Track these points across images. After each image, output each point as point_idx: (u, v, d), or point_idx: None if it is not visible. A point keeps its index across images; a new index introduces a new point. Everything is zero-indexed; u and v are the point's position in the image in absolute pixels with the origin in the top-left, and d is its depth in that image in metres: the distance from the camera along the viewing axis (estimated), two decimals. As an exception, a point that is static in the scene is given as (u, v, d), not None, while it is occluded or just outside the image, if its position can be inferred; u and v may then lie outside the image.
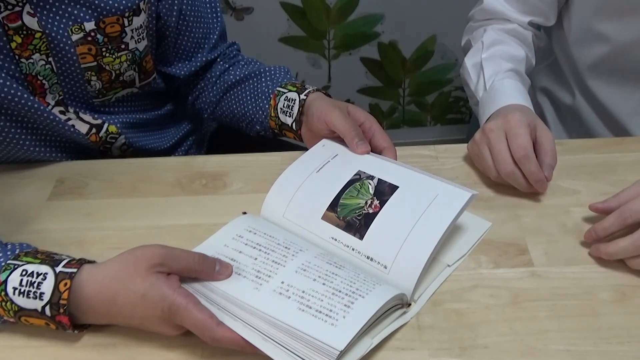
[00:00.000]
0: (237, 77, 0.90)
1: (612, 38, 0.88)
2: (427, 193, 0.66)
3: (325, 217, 0.67)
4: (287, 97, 0.82)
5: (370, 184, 0.68)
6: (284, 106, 0.82)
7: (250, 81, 0.89)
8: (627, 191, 0.66)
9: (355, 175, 0.70)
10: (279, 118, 0.83)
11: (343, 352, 0.53)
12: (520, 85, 0.84)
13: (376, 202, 0.66)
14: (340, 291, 0.58)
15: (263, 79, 0.87)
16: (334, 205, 0.67)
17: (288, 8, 1.68)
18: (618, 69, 0.91)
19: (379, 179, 0.69)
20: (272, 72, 0.88)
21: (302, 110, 0.80)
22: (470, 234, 0.69)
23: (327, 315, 0.55)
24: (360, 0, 1.68)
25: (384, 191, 0.67)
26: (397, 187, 0.67)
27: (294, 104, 0.81)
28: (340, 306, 0.56)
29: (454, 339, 0.59)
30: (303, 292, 0.58)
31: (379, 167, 0.71)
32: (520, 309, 0.61)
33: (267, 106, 0.85)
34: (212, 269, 0.59)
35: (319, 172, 0.71)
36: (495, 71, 0.87)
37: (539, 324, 0.60)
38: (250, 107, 0.88)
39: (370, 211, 0.66)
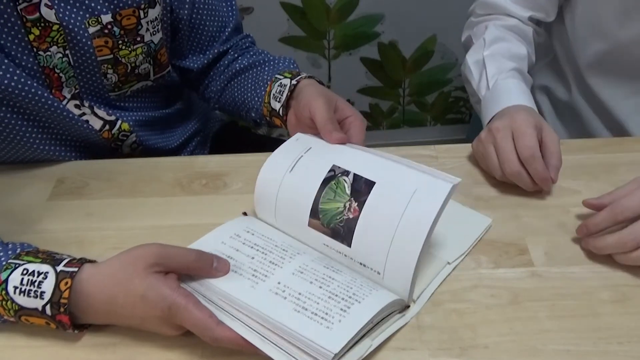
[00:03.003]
0: (242, 65, 0.90)
1: (616, 36, 0.88)
2: (406, 188, 0.61)
3: (311, 225, 0.64)
4: (281, 83, 0.81)
5: (345, 181, 0.64)
6: (276, 92, 0.81)
7: (254, 70, 0.89)
8: (621, 189, 0.66)
9: (329, 171, 0.65)
10: (270, 104, 0.82)
11: (340, 355, 0.53)
12: (523, 86, 0.84)
13: (354, 204, 0.62)
14: (336, 295, 0.57)
15: (265, 68, 0.88)
16: (315, 212, 0.64)
17: (288, 8, 1.69)
18: (619, 67, 0.92)
19: (354, 174, 0.63)
20: (275, 61, 0.88)
21: (291, 95, 0.79)
22: (470, 231, 0.69)
23: (322, 318, 0.55)
24: (360, 0, 1.68)
25: (361, 190, 0.62)
26: (374, 182, 0.62)
27: (284, 89, 0.80)
28: (336, 310, 0.56)
29: (454, 339, 0.59)
30: (299, 294, 0.57)
31: (353, 159, 0.65)
32: (520, 309, 0.61)
33: (263, 93, 0.84)
34: (209, 266, 0.59)
35: (292, 171, 0.67)
36: (499, 70, 0.87)
37: (539, 324, 0.60)
38: (249, 94, 0.88)
39: (351, 216, 0.62)
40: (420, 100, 1.94)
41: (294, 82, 0.79)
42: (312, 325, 0.54)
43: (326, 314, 0.55)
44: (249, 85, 0.88)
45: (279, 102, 0.80)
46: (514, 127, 0.73)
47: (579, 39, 0.94)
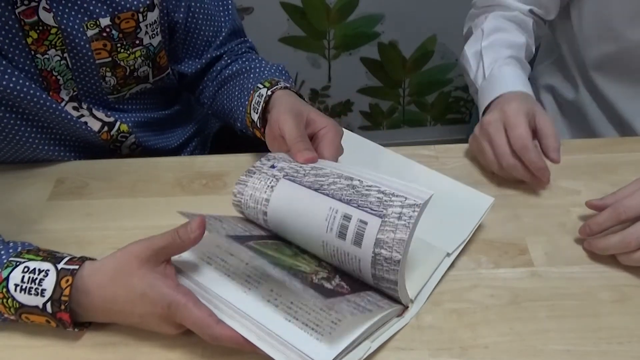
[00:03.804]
0: (231, 72, 0.88)
1: (626, 37, 0.88)
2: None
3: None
4: (260, 93, 0.77)
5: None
6: (255, 102, 0.77)
7: (241, 77, 0.88)
8: (624, 189, 0.66)
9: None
10: (250, 115, 0.79)
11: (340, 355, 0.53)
12: (519, 72, 0.84)
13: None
14: (328, 307, 0.57)
15: (251, 75, 0.85)
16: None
17: (288, 8, 1.69)
18: (628, 68, 0.91)
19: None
20: (262, 69, 0.86)
21: (266, 107, 0.75)
22: (471, 214, 0.68)
23: (313, 329, 0.55)
24: (360, 0, 1.68)
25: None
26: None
27: (262, 99, 0.76)
28: (327, 322, 0.55)
29: (454, 339, 0.59)
30: (291, 302, 0.57)
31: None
32: (520, 309, 0.61)
33: (246, 102, 0.81)
34: (190, 232, 0.57)
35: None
36: (495, 58, 0.87)
37: (539, 324, 0.60)
38: (235, 103, 0.86)
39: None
40: (420, 100, 1.94)
41: (269, 92, 0.75)
42: (302, 336, 0.54)
43: (317, 325, 0.55)
44: (236, 93, 0.86)
45: (256, 113, 0.77)
46: (505, 119, 0.73)
47: (586, 39, 0.94)
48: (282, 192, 0.64)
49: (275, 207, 0.63)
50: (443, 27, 1.75)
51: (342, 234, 0.58)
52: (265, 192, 0.64)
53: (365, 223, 0.57)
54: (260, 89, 0.77)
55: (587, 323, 0.60)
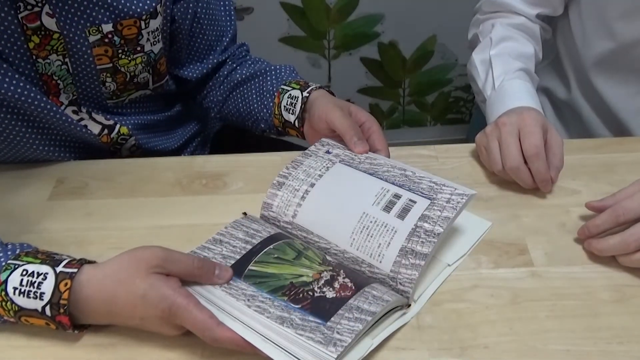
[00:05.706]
0: (243, 76, 0.90)
1: (622, 35, 0.88)
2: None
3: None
4: (290, 94, 0.82)
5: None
6: (287, 104, 0.82)
7: (256, 80, 0.89)
8: (623, 191, 0.66)
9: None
10: (282, 116, 0.83)
11: (341, 357, 0.53)
12: (530, 87, 0.84)
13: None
14: None
15: (268, 78, 0.88)
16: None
17: (288, 8, 1.68)
18: (626, 67, 0.91)
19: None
20: (277, 71, 0.88)
21: (304, 107, 0.81)
22: (470, 234, 0.69)
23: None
24: (360, 0, 1.68)
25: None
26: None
27: (296, 101, 0.81)
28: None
29: (454, 339, 0.59)
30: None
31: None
32: (520, 309, 0.61)
33: (271, 104, 0.85)
34: (211, 274, 0.59)
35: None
36: (505, 70, 0.87)
37: (539, 324, 0.60)
38: (255, 105, 0.88)
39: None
40: (420, 100, 1.94)
41: (305, 94, 0.81)
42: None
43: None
44: (253, 96, 0.89)
45: (292, 114, 0.82)
46: (522, 125, 0.73)
47: (584, 37, 0.93)
48: (337, 171, 0.70)
49: (327, 181, 0.69)
50: (443, 27, 1.75)
51: (387, 208, 0.65)
52: (320, 170, 0.70)
53: (414, 202, 0.64)
54: (288, 90, 0.83)
55: (587, 323, 0.60)
